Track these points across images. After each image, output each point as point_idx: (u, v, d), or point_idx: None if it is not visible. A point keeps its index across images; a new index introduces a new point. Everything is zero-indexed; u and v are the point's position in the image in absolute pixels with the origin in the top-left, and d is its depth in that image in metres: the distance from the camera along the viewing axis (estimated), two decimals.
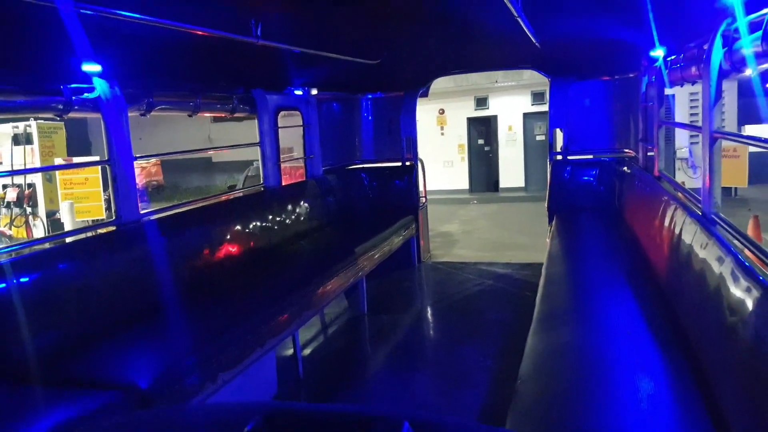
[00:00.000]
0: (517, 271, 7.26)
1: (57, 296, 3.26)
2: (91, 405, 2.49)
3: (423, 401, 4.12)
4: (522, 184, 16.31)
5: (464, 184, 16.74)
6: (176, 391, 2.89)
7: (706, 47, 3.29)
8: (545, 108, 10.98)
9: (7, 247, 3.54)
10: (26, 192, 10.69)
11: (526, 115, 16.17)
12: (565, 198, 6.99)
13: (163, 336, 3.41)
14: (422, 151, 8.21)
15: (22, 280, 3.10)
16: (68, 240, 3.91)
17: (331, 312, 5.94)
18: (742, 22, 2.70)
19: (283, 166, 6.29)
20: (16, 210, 10.63)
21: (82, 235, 3.92)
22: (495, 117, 16.49)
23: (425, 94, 8.23)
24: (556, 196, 7.05)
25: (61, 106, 3.60)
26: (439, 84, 9.84)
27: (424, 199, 8.06)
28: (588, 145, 7.13)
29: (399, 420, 0.92)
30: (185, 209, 4.82)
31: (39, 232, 10.57)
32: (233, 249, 4.98)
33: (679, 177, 12.06)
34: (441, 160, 16.45)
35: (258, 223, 5.48)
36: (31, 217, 10.69)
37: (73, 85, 3.63)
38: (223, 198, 5.57)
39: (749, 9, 2.68)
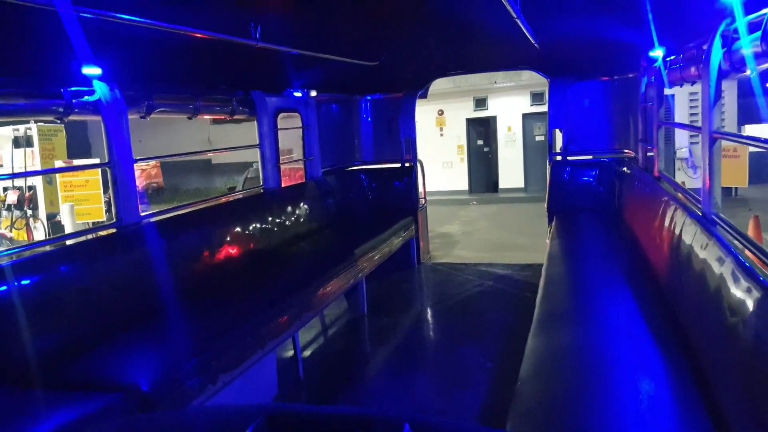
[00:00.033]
0: (517, 272, 7.26)
1: (58, 299, 3.27)
2: (91, 407, 2.50)
3: (423, 402, 4.12)
4: (521, 184, 16.30)
5: (464, 185, 16.73)
6: (177, 393, 2.90)
7: (705, 47, 3.30)
8: (544, 108, 11.00)
9: (8, 249, 3.55)
10: (27, 194, 10.70)
11: (525, 116, 16.16)
12: (565, 198, 6.98)
13: (164, 338, 3.42)
14: (421, 152, 8.20)
15: (23, 282, 3.11)
16: (69, 242, 3.91)
17: (331, 313, 5.94)
18: (742, 22, 2.71)
19: (282, 167, 6.30)
20: (16, 212, 10.64)
21: (83, 238, 3.93)
22: (494, 118, 16.48)
23: (424, 95, 8.24)
24: (556, 196, 7.05)
25: (61, 109, 3.61)
26: (438, 85, 9.84)
27: (423, 200, 8.07)
28: (587, 145, 7.14)
29: (399, 421, 0.92)
30: (185, 211, 4.82)
31: (39, 234, 10.58)
32: (233, 251, 4.98)
33: (679, 177, 12.05)
34: (440, 161, 16.44)
35: (258, 225, 5.48)
36: (31, 220, 10.70)
37: (73, 88, 3.64)
38: (223, 200, 5.57)
39: (748, 9, 2.68)
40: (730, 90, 13.10)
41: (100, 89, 3.78)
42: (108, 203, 10.10)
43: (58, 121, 3.77)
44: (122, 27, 3.57)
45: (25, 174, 10.89)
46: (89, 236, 3.97)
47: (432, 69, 7.82)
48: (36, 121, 10.56)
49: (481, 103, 16.47)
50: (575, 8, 5.43)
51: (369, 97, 8.12)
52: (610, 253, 4.82)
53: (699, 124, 3.48)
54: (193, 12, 4.05)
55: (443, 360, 4.93)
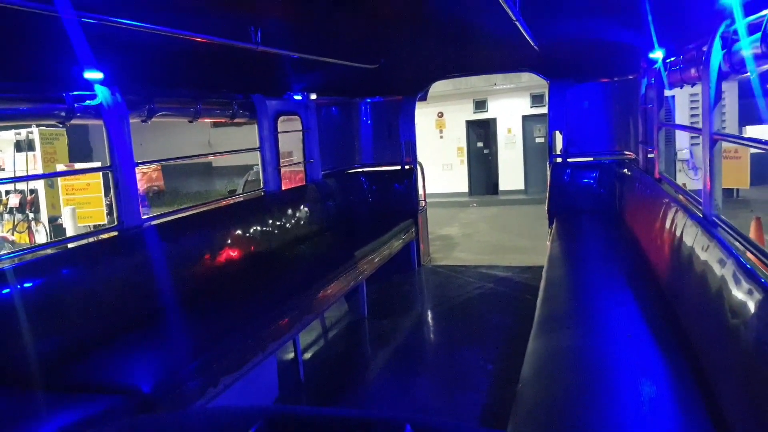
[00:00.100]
0: (517, 274, 7.25)
1: (59, 301, 3.28)
2: (93, 409, 2.50)
3: (424, 405, 4.11)
4: (522, 186, 16.30)
5: (464, 187, 16.72)
6: (178, 395, 2.90)
7: (705, 49, 3.30)
8: (544, 110, 10.98)
9: (10, 252, 3.56)
10: (29, 198, 10.73)
11: (525, 118, 16.17)
12: (565, 200, 6.98)
13: (165, 340, 3.42)
14: (421, 155, 8.21)
15: (25, 285, 3.12)
16: (71, 245, 3.92)
17: (332, 316, 5.94)
18: (741, 23, 2.71)
19: (282, 170, 6.31)
20: (18, 216, 10.67)
21: (84, 241, 3.94)
22: (494, 120, 16.49)
23: (424, 98, 8.25)
24: (556, 198, 7.05)
25: (63, 114, 3.62)
26: (437, 87, 9.84)
27: (423, 203, 8.07)
28: (588, 147, 7.14)
29: (400, 423, 0.92)
30: (186, 214, 4.83)
31: (41, 237, 10.60)
32: (234, 253, 4.99)
33: (680, 179, 12.06)
34: (440, 163, 16.44)
35: (258, 228, 5.49)
36: (33, 223, 10.73)
37: (75, 93, 3.65)
38: (224, 203, 5.58)
39: (748, 11, 2.69)
40: (731, 91, 13.10)
41: (102, 93, 3.79)
42: (109, 206, 10.12)
43: (60, 125, 3.78)
44: (124, 31, 3.59)
45: (27, 178, 10.91)
46: (91, 239, 3.98)
47: (431, 71, 7.83)
48: (38, 125, 10.59)
49: (480, 105, 16.48)
50: (575, 10, 5.44)
51: (369, 100, 8.13)
52: (610, 255, 4.82)
53: (699, 125, 3.48)
54: (193, 16, 4.07)
55: (444, 362, 4.93)
